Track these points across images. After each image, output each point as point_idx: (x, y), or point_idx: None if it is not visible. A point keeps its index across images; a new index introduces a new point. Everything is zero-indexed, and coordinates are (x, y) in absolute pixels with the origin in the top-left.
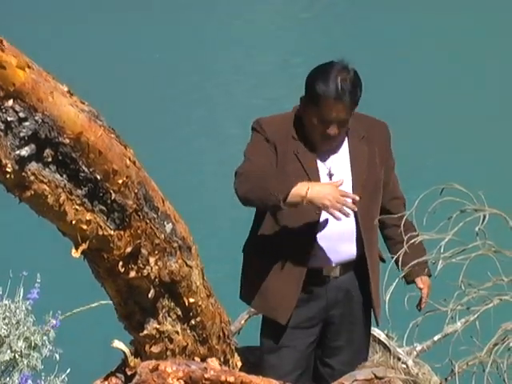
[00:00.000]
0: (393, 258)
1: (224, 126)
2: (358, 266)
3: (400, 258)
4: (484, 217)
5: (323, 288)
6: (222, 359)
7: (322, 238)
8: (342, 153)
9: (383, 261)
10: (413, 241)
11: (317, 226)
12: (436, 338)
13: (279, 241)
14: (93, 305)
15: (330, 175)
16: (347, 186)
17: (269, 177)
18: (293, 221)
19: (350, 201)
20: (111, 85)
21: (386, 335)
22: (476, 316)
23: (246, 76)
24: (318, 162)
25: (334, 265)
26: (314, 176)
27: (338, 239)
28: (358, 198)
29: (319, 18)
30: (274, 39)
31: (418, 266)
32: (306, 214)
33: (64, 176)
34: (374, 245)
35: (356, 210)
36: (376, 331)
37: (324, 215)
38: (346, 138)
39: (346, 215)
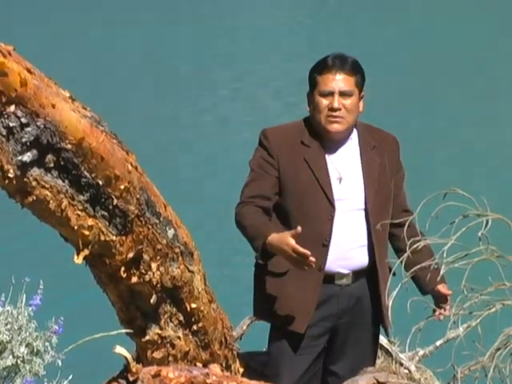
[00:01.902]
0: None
1: (235, 130)
2: (369, 275)
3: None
4: (487, 222)
5: (336, 296)
6: (223, 365)
7: (334, 243)
8: (353, 160)
9: (393, 274)
10: (416, 244)
11: (329, 231)
12: (438, 343)
13: None
14: (112, 333)
15: (340, 180)
16: (359, 194)
17: (252, 230)
18: (304, 227)
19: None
20: (125, 89)
21: (388, 340)
22: (478, 321)
23: (262, 80)
24: (329, 166)
25: (347, 271)
26: (325, 182)
27: (350, 246)
28: (309, 253)
29: (326, 23)
30: (283, 43)
31: (437, 275)
32: (317, 220)
33: (66, 181)
34: (384, 253)
35: (314, 262)
36: None
37: (336, 222)
38: (358, 147)
39: (310, 266)
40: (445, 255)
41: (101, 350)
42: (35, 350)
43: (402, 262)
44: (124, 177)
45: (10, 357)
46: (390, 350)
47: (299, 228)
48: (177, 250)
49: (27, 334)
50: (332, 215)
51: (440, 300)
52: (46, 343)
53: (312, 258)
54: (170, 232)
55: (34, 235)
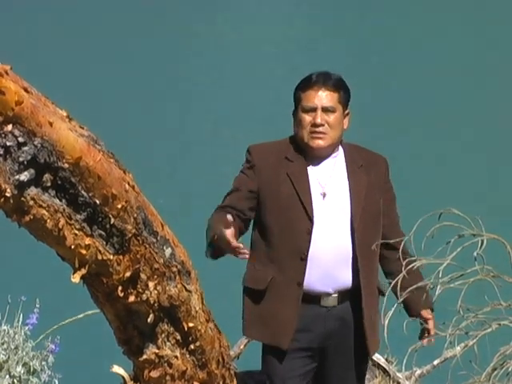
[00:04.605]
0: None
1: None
2: (355, 296)
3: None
4: (482, 242)
5: (321, 318)
6: None
7: (315, 260)
8: (339, 177)
9: (383, 294)
10: (412, 265)
11: (307, 245)
12: (435, 363)
13: (272, 264)
14: (79, 316)
15: (323, 195)
16: (345, 211)
17: (209, 227)
18: (283, 241)
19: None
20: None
21: (386, 359)
22: (475, 341)
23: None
24: (312, 182)
25: (331, 291)
26: (305, 197)
27: (333, 263)
28: (238, 245)
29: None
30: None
31: (424, 299)
32: (295, 234)
33: (63, 201)
34: (371, 275)
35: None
36: (376, 355)
37: (317, 237)
38: (344, 164)
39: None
40: (440, 275)
41: (98, 370)
42: (32, 370)
43: (397, 283)
44: (121, 196)
45: (7, 376)
46: (387, 369)
47: (229, 216)
48: (174, 269)
49: (24, 353)
50: (310, 229)
51: (425, 325)
52: (43, 362)
53: (244, 250)
54: (168, 251)
55: (30, 254)
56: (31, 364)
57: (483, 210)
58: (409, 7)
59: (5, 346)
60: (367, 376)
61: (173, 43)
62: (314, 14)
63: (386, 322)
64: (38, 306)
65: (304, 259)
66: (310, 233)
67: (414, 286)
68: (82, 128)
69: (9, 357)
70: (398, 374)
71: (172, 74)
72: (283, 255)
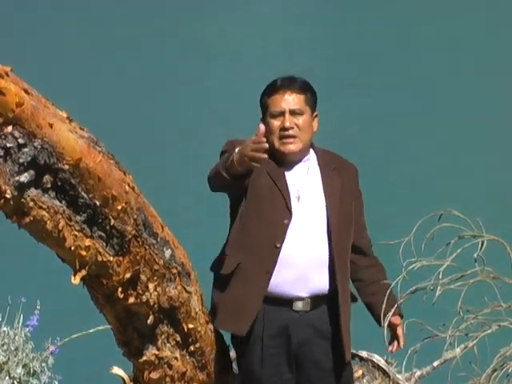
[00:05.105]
0: (364, 302)
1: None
2: (330, 302)
3: (383, 307)
4: (482, 243)
5: (293, 324)
6: None
7: (290, 262)
8: (314, 180)
9: (355, 300)
10: (412, 266)
11: (282, 234)
12: (435, 364)
13: (244, 250)
14: (90, 330)
15: (298, 198)
16: (321, 214)
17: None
18: (259, 229)
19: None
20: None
21: (386, 361)
22: (475, 342)
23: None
24: (288, 182)
25: (304, 295)
26: (283, 188)
27: (308, 266)
28: (262, 129)
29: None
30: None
31: (391, 307)
32: (272, 223)
33: (63, 202)
34: (346, 279)
35: (266, 147)
36: (375, 357)
37: (292, 236)
38: (318, 167)
39: (261, 158)
40: (440, 276)
41: (98, 371)
42: (32, 371)
43: (397, 283)
44: (121, 197)
45: (7, 378)
46: (387, 370)
47: (262, 126)
48: (174, 271)
49: (24, 354)
50: (288, 221)
51: (393, 333)
52: (43, 364)
53: (265, 145)
54: (167, 252)
55: (30, 255)
56: (31, 365)
57: (483, 212)
58: (410, 8)
59: (5, 347)
60: (367, 377)
61: (175, 44)
62: (316, 14)
63: (386, 324)
64: (38, 307)
65: (278, 248)
66: (287, 224)
67: (409, 291)
68: (82, 129)
69: (9, 358)
70: (397, 376)
71: (181, 76)
72: (257, 242)
